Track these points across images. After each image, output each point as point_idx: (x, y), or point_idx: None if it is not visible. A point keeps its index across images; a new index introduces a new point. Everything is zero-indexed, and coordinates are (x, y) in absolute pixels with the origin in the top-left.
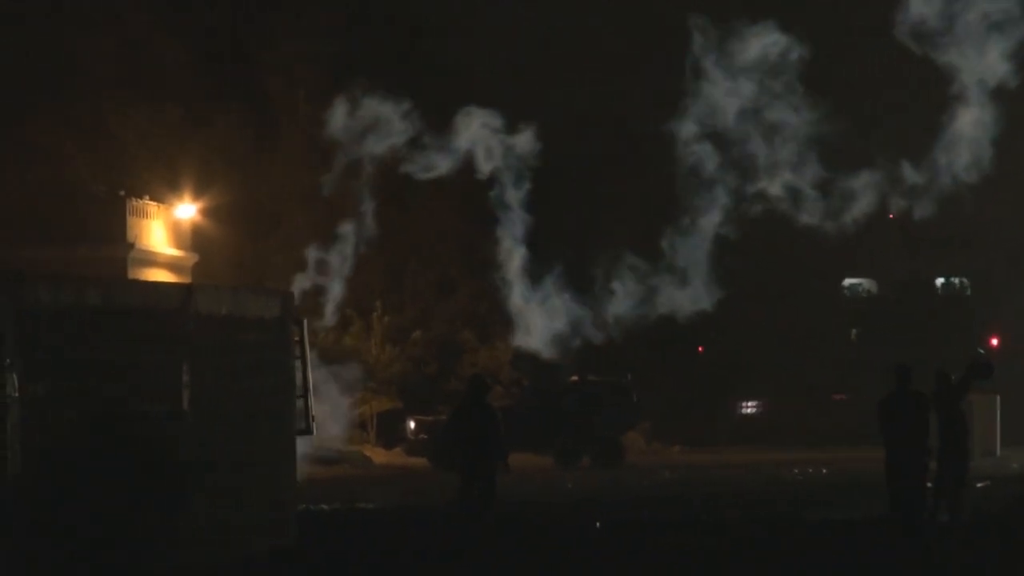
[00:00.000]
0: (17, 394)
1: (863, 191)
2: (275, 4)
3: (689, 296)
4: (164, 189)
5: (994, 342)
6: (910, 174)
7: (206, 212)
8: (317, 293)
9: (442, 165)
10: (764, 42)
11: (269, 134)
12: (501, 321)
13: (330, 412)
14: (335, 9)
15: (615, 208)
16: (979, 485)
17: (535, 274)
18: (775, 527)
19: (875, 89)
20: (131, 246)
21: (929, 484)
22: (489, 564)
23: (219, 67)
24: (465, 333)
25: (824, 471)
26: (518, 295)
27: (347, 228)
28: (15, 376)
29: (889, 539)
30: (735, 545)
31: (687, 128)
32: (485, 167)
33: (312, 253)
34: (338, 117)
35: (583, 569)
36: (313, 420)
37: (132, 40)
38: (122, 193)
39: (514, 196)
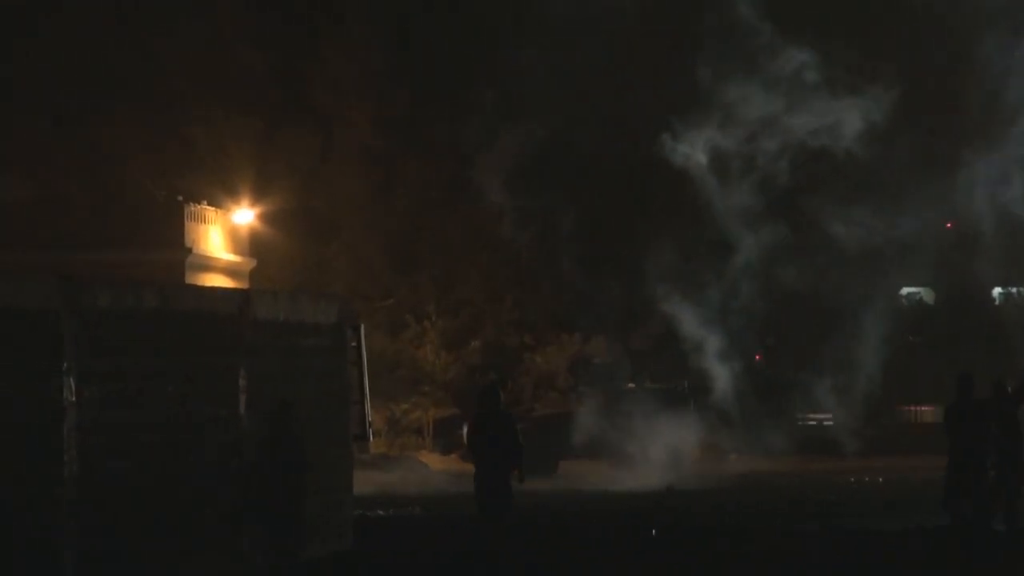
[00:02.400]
0: (74, 398)
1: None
2: (329, 16)
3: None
4: (221, 194)
5: None
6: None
7: (264, 217)
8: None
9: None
10: None
11: (327, 141)
12: (553, 327)
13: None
14: (390, 22)
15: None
16: None
17: None
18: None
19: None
20: (189, 251)
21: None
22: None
23: (285, 76)
24: (520, 339)
25: (880, 480)
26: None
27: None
28: (72, 380)
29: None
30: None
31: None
32: None
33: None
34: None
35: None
36: (370, 426)
37: (207, 45)
38: (180, 198)
39: None
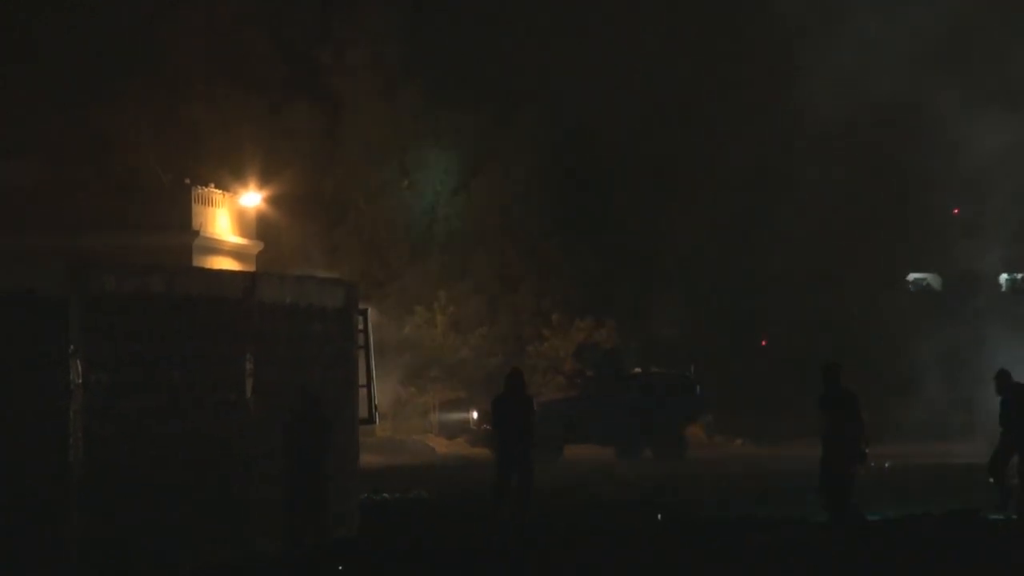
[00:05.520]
0: (80, 381)
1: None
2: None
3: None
4: (229, 177)
5: None
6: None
7: (272, 200)
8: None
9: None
10: None
11: (336, 126)
12: (566, 314)
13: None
14: (401, 10)
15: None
16: None
17: None
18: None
19: None
20: (196, 234)
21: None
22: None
23: (293, 60)
24: (535, 328)
25: (887, 465)
26: None
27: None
28: (79, 363)
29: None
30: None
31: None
32: None
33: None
34: None
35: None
36: (376, 409)
37: (214, 28)
38: (187, 181)
39: None
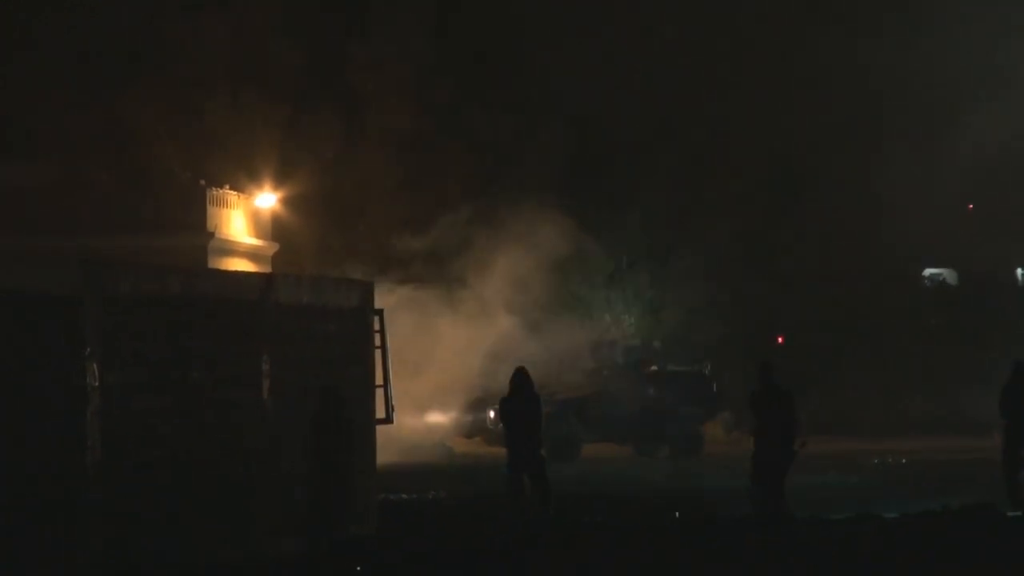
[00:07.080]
0: (97, 383)
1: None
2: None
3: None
4: (244, 178)
5: None
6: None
7: (287, 201)
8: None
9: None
10: None
11: (356, 126)
12: (578, 310)
13: None
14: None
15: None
16: None
17: None
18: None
19: None
20: (211, 235)
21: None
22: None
23: (314, 59)
24: (545, 325)
25: (903, 461)
26: None
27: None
28: (95, 365)
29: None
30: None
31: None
32: None
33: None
34: None
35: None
36: (393, 410)
37: (231, 26)
38: (202, 182)
39: None
